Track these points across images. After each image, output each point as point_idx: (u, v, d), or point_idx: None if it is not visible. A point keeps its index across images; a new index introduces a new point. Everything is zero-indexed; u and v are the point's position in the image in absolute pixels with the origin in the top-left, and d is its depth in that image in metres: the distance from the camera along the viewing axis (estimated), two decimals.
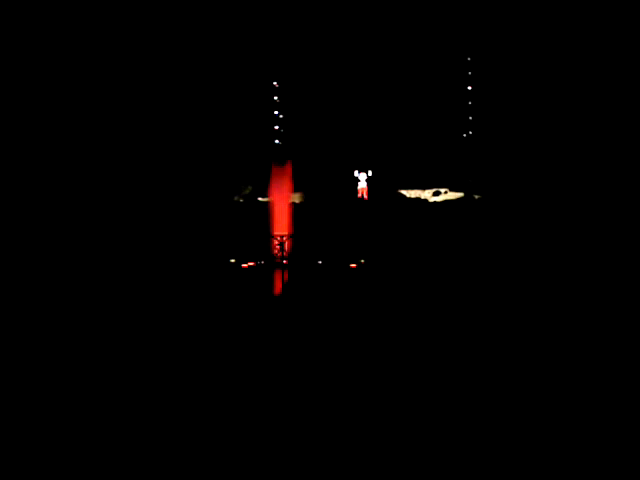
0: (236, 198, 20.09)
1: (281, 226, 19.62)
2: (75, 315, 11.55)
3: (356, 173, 21.12)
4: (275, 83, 20.82)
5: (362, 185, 21.35)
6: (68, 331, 10.31)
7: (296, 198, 20.30)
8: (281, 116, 21.03)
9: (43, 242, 15.75)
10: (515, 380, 7.43)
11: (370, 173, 21.13)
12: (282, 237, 17.74)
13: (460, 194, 21.81)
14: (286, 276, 16.75)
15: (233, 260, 18.42)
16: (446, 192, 21.65)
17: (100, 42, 19.18)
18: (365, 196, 21.10)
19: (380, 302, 14.42)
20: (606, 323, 10.57)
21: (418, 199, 21.56)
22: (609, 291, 13.75)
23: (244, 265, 18.81)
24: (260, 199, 20.46)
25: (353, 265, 19.17)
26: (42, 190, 17.02)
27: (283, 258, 17.08)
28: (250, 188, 20.55)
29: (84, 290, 13.90)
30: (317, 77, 21.24)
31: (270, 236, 18.40)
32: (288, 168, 20.73)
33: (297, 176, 20.47)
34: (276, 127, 20.79)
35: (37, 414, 6.43)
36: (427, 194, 21.69)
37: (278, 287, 16.49)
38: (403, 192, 21.54)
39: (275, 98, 20.72)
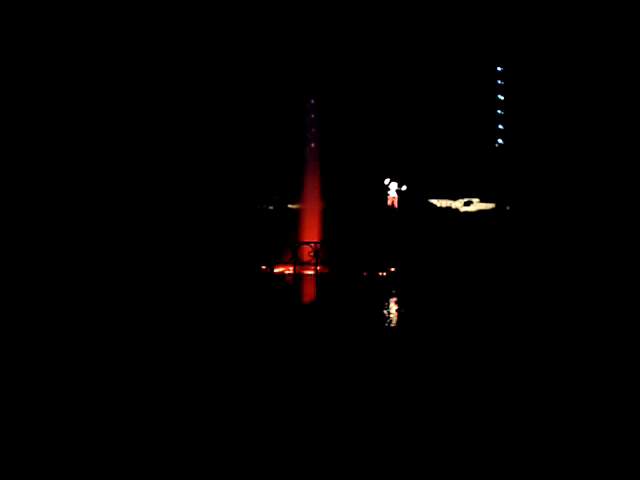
0: (266, 205, 20.09)
1: (312, 233, 19.54)
2: (111, 313, 11.55)
3: (387, 181, 21.05)
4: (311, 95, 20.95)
5: (393, 194, 21.26)
6: (103, 330, 10.28)
7: (327, 206, 20.23)
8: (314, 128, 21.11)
9: (91, 249, 16.14)
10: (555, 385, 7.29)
11: (404, 187, 21.04)
12: (313, 244, 17.63)
13: (491, 204, 21.63)
14: (318, 282, 16.59)
15: (264, 267, 18.34)
16: (477, 202, 21.47)
17: (137, 59, 19.53)
18: (395, 205, 20.99)
19: (409, 309, 14.24)
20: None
21: (449, 209, 21.41)
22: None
23: (276, 271, 18.72)
24: (290, 206, 20.42)
25: (382, 273, 19.03)
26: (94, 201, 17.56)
27: (315, 264, 16.95)
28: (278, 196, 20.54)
29: (120, 290, 13.94)
30: (350, 88, 21.28)
31: (301, 243, 18.30)
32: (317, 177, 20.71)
33: (328, 185, 20.42)
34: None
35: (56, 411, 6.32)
36: (458, 204, 21.52)
37: (309, 293, 16.33)
38: (434, 202, 21.40)
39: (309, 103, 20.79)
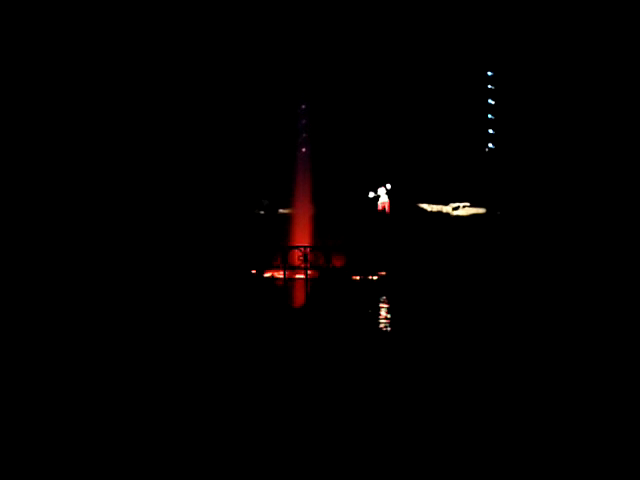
0: (257, 210, 20.13)
1: (303, 237, 19.58)
2: (106, 316, 11.53)
3: (371, 194, 21.12)
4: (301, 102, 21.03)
5: (383, 199, 21.27)
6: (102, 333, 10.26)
7: (318, 210, 20.26)
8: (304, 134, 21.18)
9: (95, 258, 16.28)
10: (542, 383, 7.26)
11: (389, 186, 21.05)
12: (304, 248, 17.63)
13: (482, 209, 21.67)
14: (308, 287, 16.58)
15: (254, 271, 18.33)
16: (468, 206, 21.49)
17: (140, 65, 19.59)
18: (387, 209, 21.01)
19: (400, 313, 14.23)
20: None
21: (440, 213, 21.45)
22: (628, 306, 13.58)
23: (266, 275, 18.72)
24: (281, 211, 20.45)
25: (372, 277, 19.00)
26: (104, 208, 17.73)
27: (305, 268, 16.93)
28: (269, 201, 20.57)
29: (114, 293, 13.93)
30: (341, 93, 21.34)
31: (291, 247, 18.29)
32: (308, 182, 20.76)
33: (319, 189, 20.47)
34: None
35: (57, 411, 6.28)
36: (448, 208, 21.57)
37: (300, 297, 16.32)
38: (424, 206, 21.43)
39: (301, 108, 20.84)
